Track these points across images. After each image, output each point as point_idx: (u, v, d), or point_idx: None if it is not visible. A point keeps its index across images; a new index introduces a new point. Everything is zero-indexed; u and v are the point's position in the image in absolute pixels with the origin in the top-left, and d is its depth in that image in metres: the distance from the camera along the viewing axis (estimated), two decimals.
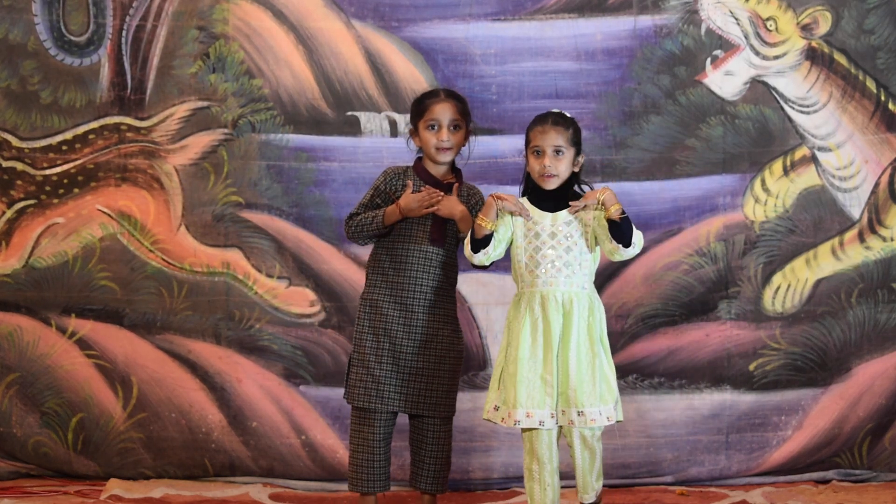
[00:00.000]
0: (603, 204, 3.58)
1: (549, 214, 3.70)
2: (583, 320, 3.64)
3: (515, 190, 4.50)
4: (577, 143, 3.70)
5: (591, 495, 3.71)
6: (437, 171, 3.86)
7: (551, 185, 3.68)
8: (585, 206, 3.62)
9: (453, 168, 3.91)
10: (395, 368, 3.80)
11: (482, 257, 3.69)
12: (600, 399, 3.60)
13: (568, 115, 3.75)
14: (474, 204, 3.87)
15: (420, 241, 3.82)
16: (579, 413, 3.58)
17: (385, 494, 3.97)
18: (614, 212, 3.56)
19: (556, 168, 3.65)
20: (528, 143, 3.72)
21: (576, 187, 3.74)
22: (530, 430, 3.65)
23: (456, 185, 3.82)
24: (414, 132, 3.89)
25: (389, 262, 3.85)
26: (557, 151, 3.65)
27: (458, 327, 3.90)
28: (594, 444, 3.66)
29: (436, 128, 3.83)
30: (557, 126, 3.67)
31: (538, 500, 3.66)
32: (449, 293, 3.87)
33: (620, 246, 3.60)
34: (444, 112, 3.83)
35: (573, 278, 3.66)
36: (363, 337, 3.84)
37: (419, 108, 3.87)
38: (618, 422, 3.68)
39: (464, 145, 3.89)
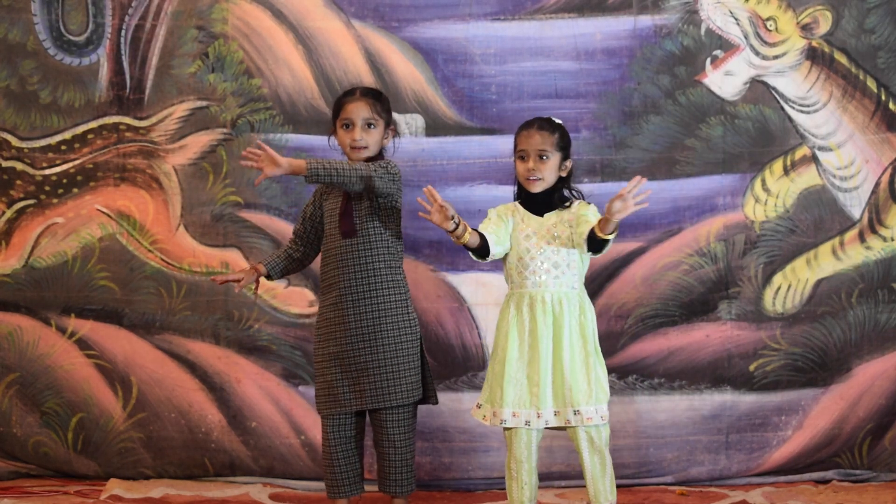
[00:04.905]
0: (608, 214, 3.49)
1: (537, 217, 3.77)
2: (574, 320, 3.71)
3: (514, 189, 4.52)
4: (563, 148, 3.78)
5: None
6: None
7: (536, 188, 3.77)
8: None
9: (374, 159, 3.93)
10: (341, 368, 3.82)
11: (489, 259, 3.77)
12: (595, 398, 3.67)
13: (556, 120, 3.82)
14: (379, 168, 3.80)
15: (335, 238, 3.85)
16: (576, 412, 3.65)
17: (362, 497, 3.98)
18: (610, 232, 3.54)
19: (541, 171, 3.74)
20: (515, 147, 3.81)
21: (565, 192, 3.80)
22: (511, 429, 3.71)
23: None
24: (335, 132, 3.94)
25: (321, 267, 3.91)
26: (541, 156, 3.73)
27: (407, 310, 3.87)
28: (603, 447, 3.70)
29: (349, 127, 3.86)
30: (542, 131, 3.75)
31: (516, 498, 3.74)
32: (385, 279, 3.84)
33: (590, 252, 3.67)
34: (357, 111, 3.86)
35: (562, 279, 3.72)
36: (316, 348, 3.91)
37: (336, 107, 3.92)
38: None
39: (385, 144, 3.92)
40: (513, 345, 3.71)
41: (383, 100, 3.95)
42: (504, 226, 3.78)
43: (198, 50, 4.57)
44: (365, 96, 3.90)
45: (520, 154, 3.77)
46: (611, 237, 3.58)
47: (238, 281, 3.95)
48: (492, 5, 4.52)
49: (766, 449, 4.52)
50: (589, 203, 3.80)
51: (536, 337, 3.69)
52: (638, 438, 4.49)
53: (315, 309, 4.51)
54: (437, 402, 3.95)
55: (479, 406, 3.80)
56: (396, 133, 4.08)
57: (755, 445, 4.52)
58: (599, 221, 3.56)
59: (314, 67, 4.57)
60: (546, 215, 3.76)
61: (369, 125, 3.86)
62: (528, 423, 3.68)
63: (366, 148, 3.86)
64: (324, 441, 3.90)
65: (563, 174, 3.79)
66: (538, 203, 3.78)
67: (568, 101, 4.48)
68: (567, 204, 3.78)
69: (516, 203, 3.84)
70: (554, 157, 3.74)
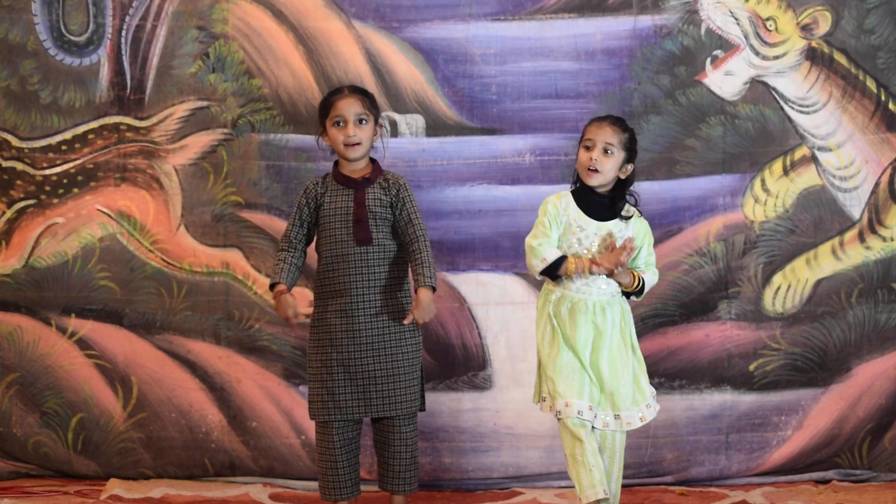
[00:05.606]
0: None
1: (595, 223, 3.74)
2: (615, 327, 3.72)
3: (515, 189, 4.54)
4: (629, 150, 3.76)
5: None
6: (352, 168, 3.90)
7: (593, 180, 3.73)
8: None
9: (371, 162, 3.94)
10: (347, 376, 3.81)
11: (539, 276, 3.80)
12: (633, 402, 3.71)
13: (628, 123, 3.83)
14: (404, 197, 3.85)
15: (347, 244, 3.83)
16: (616, 416, 3.69)
17: (357, 499, 3.98)
18: (628, 289, 3.77)
19: (602, 164, 3.71)
20: (581, 138, 3.78)
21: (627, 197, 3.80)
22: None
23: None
24: (324, 132, 3.93)
25: (325, 271, 3.87)
26: (607, 149, 3.71)
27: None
28: (616, 449, 3.73)
29: (342, 124, 3.86)
30: (614, 126, 3.76)
31: (586, 484, 3.62)
32: (394, 287, 3.85)
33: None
34: (348, 107, 3.86)
35: (605, 289, 3.74)
36: (314, 353, 3.88)
37: (325, 106, 3.92)
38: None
39: (375, 140, 3.93)
40: (555, 342, 3.71)
41: (370, 96, 3.96)
42: (557, 233, 3.77)
43: (198, 50, 4.58)
44: (353, 93, 3.91)
45: (585, 143, 3.74)
46: (636, 287, 3.78)
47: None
48: (492, 5, 4.53)
49: (766, 449, 4.53)
50: (641, 217, 3.81)
51: (576, 341, 3.69)
52: (637, 438, 4.49)
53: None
54: (424, 409, 3.96)
55: (543, 400, 3.76)
56: (384, 130, 4.08)
57: (755, 445, 4.52)
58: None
59: (315, 68, 4.57)
60: (604, 223, 3.74)
61: (361, 121, 3.87)
62: (580, 412, 3.63)
63: (359, 144, 3.86)
64: (322, 445, 3.88)
65: (622, 176, 3.76)
66: (595, 205, 3.75)
67: (568, 101, 4.48)
68: (626, 216, 3.75)
69: (569, 198, 3.78)
70: (618, 155, 3.72)
